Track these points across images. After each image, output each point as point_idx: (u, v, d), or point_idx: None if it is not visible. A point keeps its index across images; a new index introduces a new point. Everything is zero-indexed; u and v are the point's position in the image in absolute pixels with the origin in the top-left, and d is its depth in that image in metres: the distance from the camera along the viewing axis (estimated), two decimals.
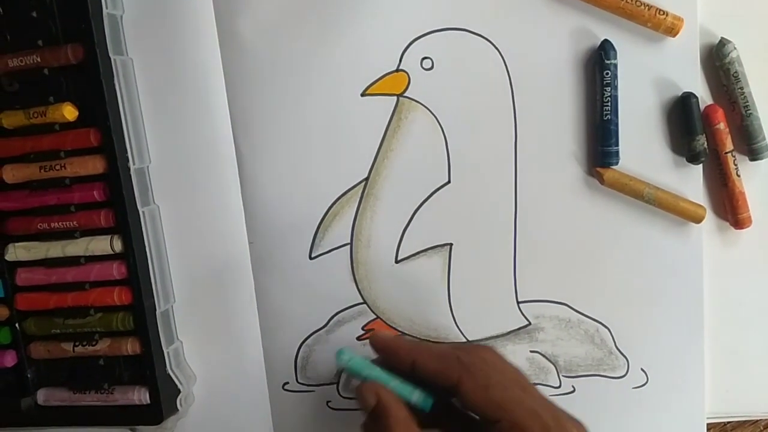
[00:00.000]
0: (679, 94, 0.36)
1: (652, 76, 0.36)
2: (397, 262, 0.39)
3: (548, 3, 0.35)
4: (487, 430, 0.28)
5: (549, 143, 0.37)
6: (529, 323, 0.39)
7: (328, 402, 0.40)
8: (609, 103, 0.35)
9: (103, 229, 0.38)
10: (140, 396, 0.38)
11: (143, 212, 0.37)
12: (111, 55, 0.36)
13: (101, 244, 0.37)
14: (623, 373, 0.39)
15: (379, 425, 0.29)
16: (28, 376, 0.40)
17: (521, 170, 0.37)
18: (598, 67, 0.35)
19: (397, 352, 0.31)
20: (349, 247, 0.39)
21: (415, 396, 0.30)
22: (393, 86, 0.37)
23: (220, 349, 0.40)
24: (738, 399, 0.39)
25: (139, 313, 0.38)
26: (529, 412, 0.28)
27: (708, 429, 0.39)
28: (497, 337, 0.39)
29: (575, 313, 0.38)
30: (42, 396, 0.40)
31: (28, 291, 0.39)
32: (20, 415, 0.40)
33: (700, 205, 0.37)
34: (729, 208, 0.37)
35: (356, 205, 0.38)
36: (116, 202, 0.37)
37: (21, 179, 0.38)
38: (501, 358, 0.30)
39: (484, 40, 0.36)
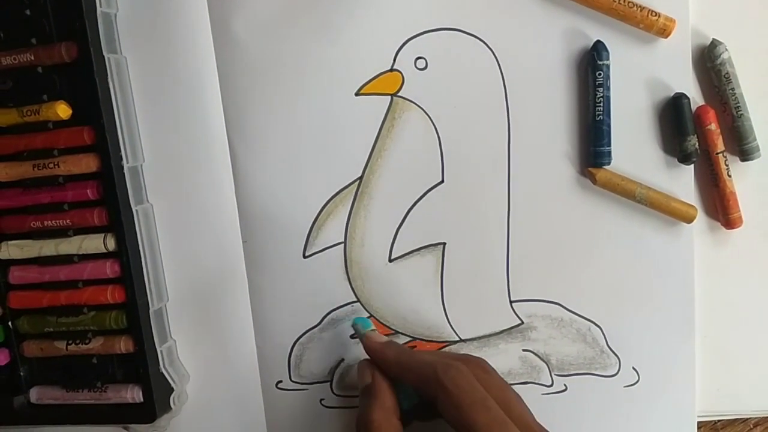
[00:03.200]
0: (671, 94, 0.36)
1: (645, 76, 0.36)
2: (390, 261, 0.39)
3: (541, 4, 0.36)
4: None
5: (542, 143, 0.37)
6: (522, 322, 0.39)
7: (321, 400, 0.40)
8: (601, 104, 0.35)
9: (96, 227, 0.37)
10: (133, 394, 0.38)
11: (137, 211, 0.37)
12: (105, 53, 0.36)
13: (94, 243, 0.37)
14: (615, 372, 0.39)
15: (365, 403, 0.32)
16: (21, 374, 0.40)
17: (514, 170, 0.37)
18: (590, 68, 0.35)
19: (383, 362, 0.33)
20: (342, 245, 0.39)
21: (400, 393, 0.33)
22: (387, 86, 0.37)
23: (214, 347, 0.40)
24: (728, 398, 0.40)
25: (133, 311, 0.38)
26: None
27: (699, 427, 0.39)
28: (490, 336, 0.39)
29: (567, 312, 0.39)
30: (35, 394, 0.40)
31: (21, 289, 0.39)
32: (13, 413, 0.40)
33: (692, 205, 0.37)
34: (720, 208, 0.37)
35: (350, 204, 0.38)
36: (110, 201, 0.37)
37: (14, 177, 0.38)
38: (479, 376, 0.31)
39: (477, 41, 0.36)
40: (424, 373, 0.31)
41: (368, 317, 0.39)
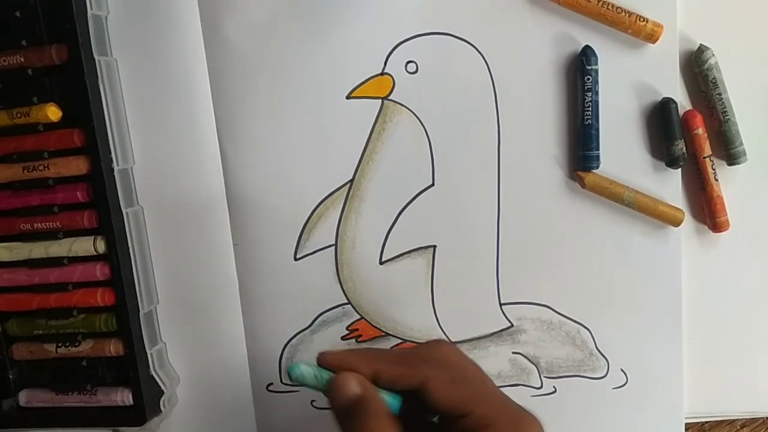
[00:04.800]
0: (659, 99, 0.36)
1: (633, 81, 0.36)
2: (381, 263, 0.39)
3: (531, 9, 0.36)
4: (453, 427, 0.27)
5: (531, 147, 0.37)
6: (512, 325, 0.39)
7: (312, 401, 0.40)
8: (590, 108, 0.36)
9: (86, 229, 0.37)
10: (123, 397, 0.38)
11: (127, 213, 0.37)
12: (95, 55, 0.36)
13: (84, 245, 0.37)
14: (603, 374, 0.39)
15: (355, 418, 0.26)
16: (10, 377, 0.40)
17: (504, 173, 0.38)
18: (579, 73, 0.36)
19: (357, 366, 0.28)
20: (333, 248, 0.39)
21: (383, 396, 0.28)
22: (378, 89, 0.37)
23: (204, 350, 0.40)
24: (716, 399, 0.40)
25: (123, 314, 0.37)
26: (496, 405, 0.27)
27: (686, 429, 0.40)
28: (480, 338, 0.39)
29: (557, 314, 0.39)
30: (24, 397, 0.40)
31: (11, 292, 0.39)
32: (2, 416, 0.40)
33: (679, 209, 0.37)
34: (707, 211, 0.38)
35: (341, 207, 0.38)
36: (100, 203, 0.37)
37: (4, 180, 0.38)
38: (459, 353, 0.30)
39: (467, 45, 0.36)
40: (406, 359, 0.28)
41: (358, 320, 0.39)
